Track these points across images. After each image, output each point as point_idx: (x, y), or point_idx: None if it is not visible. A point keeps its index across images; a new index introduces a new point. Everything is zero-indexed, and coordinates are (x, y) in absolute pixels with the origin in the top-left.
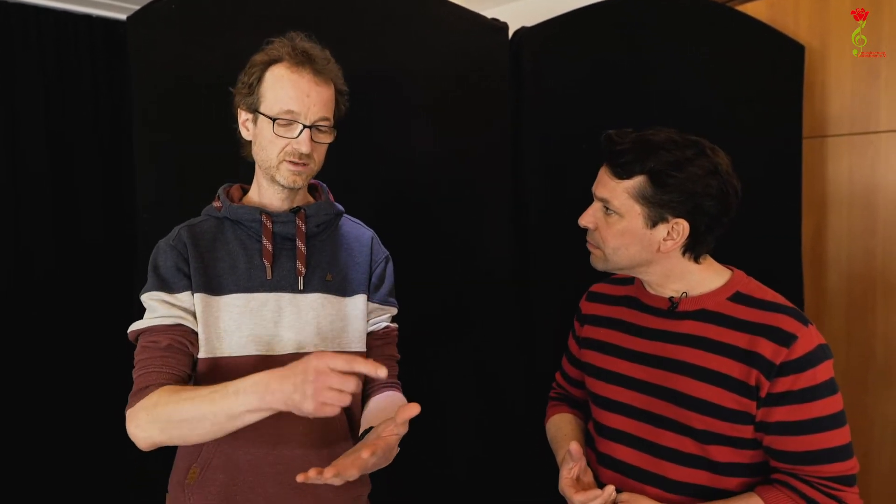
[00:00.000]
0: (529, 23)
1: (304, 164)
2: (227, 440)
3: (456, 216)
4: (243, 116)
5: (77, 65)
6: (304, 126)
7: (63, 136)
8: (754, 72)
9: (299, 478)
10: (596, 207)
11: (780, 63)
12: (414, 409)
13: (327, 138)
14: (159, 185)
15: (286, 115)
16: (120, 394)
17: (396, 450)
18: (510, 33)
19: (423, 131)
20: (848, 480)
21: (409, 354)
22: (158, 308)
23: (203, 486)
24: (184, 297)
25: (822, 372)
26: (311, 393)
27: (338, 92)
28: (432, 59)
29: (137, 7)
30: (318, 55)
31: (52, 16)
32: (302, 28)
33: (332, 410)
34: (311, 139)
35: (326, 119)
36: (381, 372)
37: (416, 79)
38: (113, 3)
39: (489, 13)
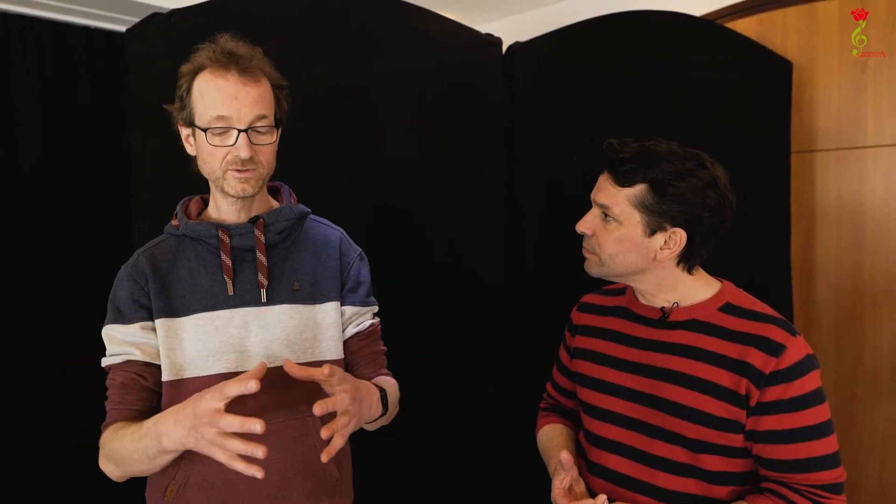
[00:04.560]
0: (523, 38)
1: (251, 170)
2: (201, 458)
3: (450, 226)
4: (184, 132)
5: (76, 75)
6: (240, 130)
7: (61, 145)
8: (743, 87)
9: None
10: (594, 214)
11: (769, 79)
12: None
13: (269, 139)
14: (157, 195)
15: (217, 122)
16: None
17: (377, 406)
18: (504, 48)
19: (419, 144)
20: (836, 488)
21: (402, 361)
22: (112, 344)
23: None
24: (136, 329)
25: (811, 381)
26: (201, 436)
27: (275, 87)
28: (428, 73)
29: (136, 20)
30: (243, 53)
31: (52, 27)
32: (299, 41)
33: (221, 454)
34: (251, 142)
35: (263, 117)
36: (250, 385)
37: (412, 92)
38: (112, 16)
39: (484, 28)
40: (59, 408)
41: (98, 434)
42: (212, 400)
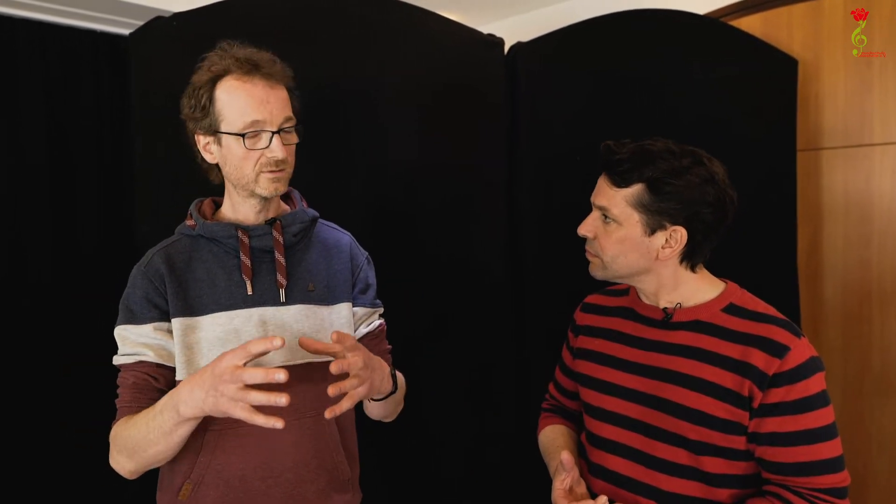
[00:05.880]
0: (525, 38)
1: (282, 170)
2: (217, 456)
3: (452, 227)
4: (203, 141)
5: (80, 78)
6: (273, 132)
7: (65, 147)
8: (749, 86)
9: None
10: (595, 216)
11: (774, 77)
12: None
13: (294, 138)
14: (158, 198)
15: (253, 126)
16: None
17: (388, 380)
18: (506, 48)
19: (421, 145)
20: (839, 493)
21: (404, 360)
22: (124, 344)
23: (195, 503)
24: (149, 330)
25: (815, 384)
26: (221, 394)
27: (290, 92)
28: (429, 75)
29: (140, 23)
30: (264, 59)
31: (57, 31)
32: (300, 43)
33: (242, 410)
34: (283, 143)
35: (290, 119)
36: (276, 342)
37: (413, 94)
38: (116, 19)
39: (486, 28)
40: (60, 408)
41: (100, 436)
42: (233, 358)
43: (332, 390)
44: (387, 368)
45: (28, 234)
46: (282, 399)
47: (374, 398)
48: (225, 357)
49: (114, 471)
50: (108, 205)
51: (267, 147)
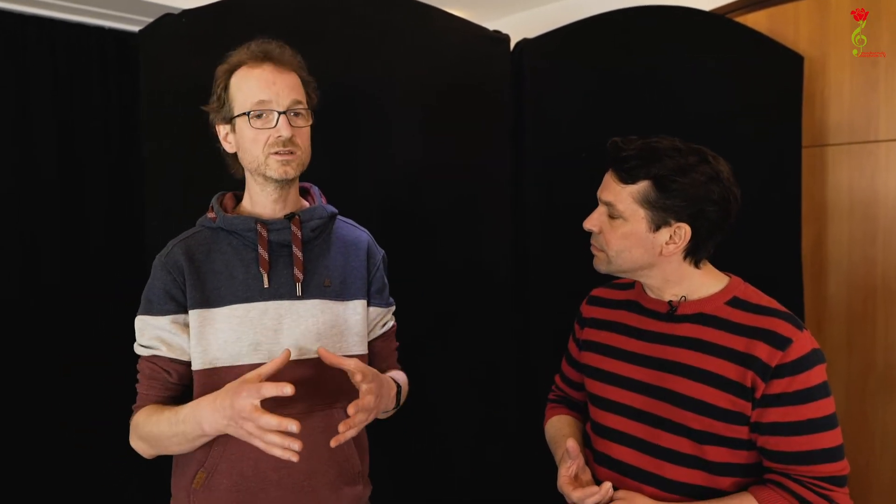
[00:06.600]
0: (531, 35)
1: (291, 153)
2: (232, 447)
3: (456, 225)
4: (223, 131)
5: (89, 75)
6: (279, 112)
7: (73, 145)
8: (754, 82)
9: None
10: (601, 211)
11: (780, 73)
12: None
13: (305, 122)
14: (168, 195)
15: (258, 105)
16: (124, 399)
17: (392, 401)
18: (512, 45)
19: (426, 143)
20: (839, 481)
21: (408, 358)
22: (142, 336)
23: (209, 491)
24: (165, 323)
25: (816, 375)
26: (239, 427)
27: (304, 81)
28: (434, 72)
29: (149, 20)
30: (275, 49)
31: (66, 27)
32: (307, 41)
33: (260, 442)
34: (290, 124)
35: (299, 102)
36: (286, 390)
37: (418, 91)
38: (125, 16)
39: (491, 25)
40: (60, 408)
41: (100, 436)
42: (248, 397)
43: (342, 427)
44: (393, 389)
45: (36, 232)
46: (295, 445)
47: None
48: (242, 393)
49: (114, 471)
50: (115, 202)
51: (274, 127)
